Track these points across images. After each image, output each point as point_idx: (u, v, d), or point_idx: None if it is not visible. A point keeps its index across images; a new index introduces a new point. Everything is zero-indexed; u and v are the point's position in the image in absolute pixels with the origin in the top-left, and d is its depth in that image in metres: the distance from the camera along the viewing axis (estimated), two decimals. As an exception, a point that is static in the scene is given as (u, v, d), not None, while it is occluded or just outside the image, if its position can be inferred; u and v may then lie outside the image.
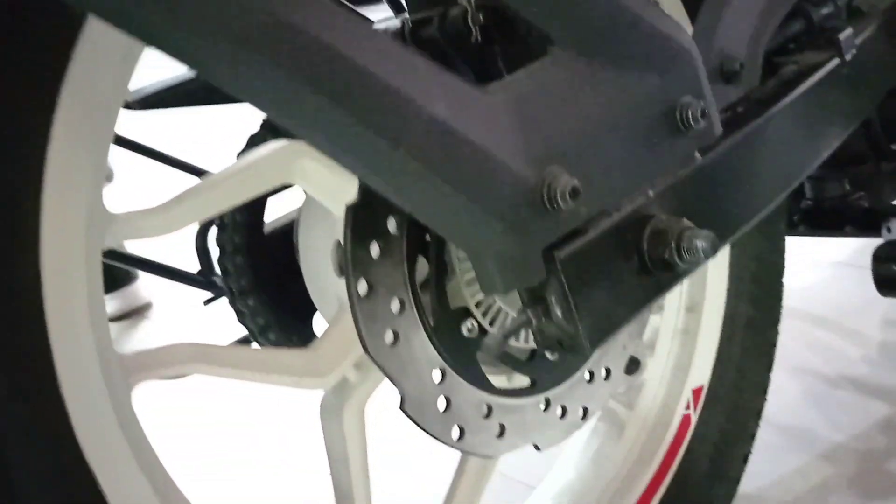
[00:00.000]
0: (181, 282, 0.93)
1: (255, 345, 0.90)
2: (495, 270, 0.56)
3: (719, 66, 0.75)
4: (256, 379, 0.68)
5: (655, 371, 1.04)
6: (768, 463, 1.37)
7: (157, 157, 0.92)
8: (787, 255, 1.12)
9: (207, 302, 0.91)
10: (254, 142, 0.83)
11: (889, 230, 1.14)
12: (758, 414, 1.08)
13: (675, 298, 1.06)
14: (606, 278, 0.61)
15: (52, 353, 0.53)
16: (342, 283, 0.72)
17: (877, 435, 1.45)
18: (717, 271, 1.05)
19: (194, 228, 0.97)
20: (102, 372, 0.56)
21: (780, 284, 1.10)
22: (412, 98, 0.49)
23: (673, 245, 0.62)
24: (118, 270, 1.95)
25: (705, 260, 0.62)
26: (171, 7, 0.44)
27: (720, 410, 1.05)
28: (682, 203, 0.66)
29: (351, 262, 0.63)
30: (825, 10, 0.88)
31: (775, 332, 1.10)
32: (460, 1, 0.63)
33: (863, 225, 1.19)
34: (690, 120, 0.65)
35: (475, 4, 0.63)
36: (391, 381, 0.67)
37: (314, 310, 0.88)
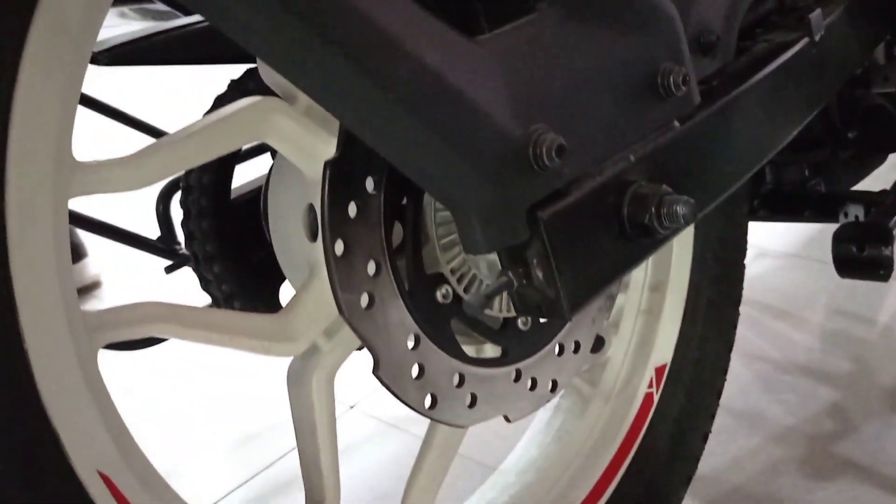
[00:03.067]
0: (141, 248, 0.90)
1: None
2: (479, 228, 0.55)
3: (697, 37, 0.75)
4: (225, 343, 0.66)
5: (619, 349, 1.04)
6: (722, 445, 1.39)
7: (120, 118, 0.89)
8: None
9: (169, 269, 0.88)
10: (221, 102, 0.81)
11: (846, 215, 1.17)
12: (718, 393, 1.09)
13: (640, 278, 1.06)
14: (587, 242, 0.61)
15: (16, 307, 0.50)
16: (313, 247, 0.70)
17: (824, 419, 1.49)
18: (681, 252, 1.06)
19: (154, 195, 0.94)
20: (69, 329, 0.53)
21: (742, 266, 1.11)
22: (408, 43, 0.48)
23: (653, 210, 0.62)
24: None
25: (685, 226, 0.62)
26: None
27: (682, 389, 1.05)
28: (662, 170, 0.65)
29: (328, 221, 0.62)
30: (796, -9, 0.89)
31: (736, 313, 1.11)
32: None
33: (821, 210, 1.21)
34: (672, 86, 0.65)
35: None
36: (366, 346, 0.65)
37: (281, 279, 0.86)
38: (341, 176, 0.62)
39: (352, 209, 0.63)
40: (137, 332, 0.60)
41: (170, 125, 0.96)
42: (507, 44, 0.56)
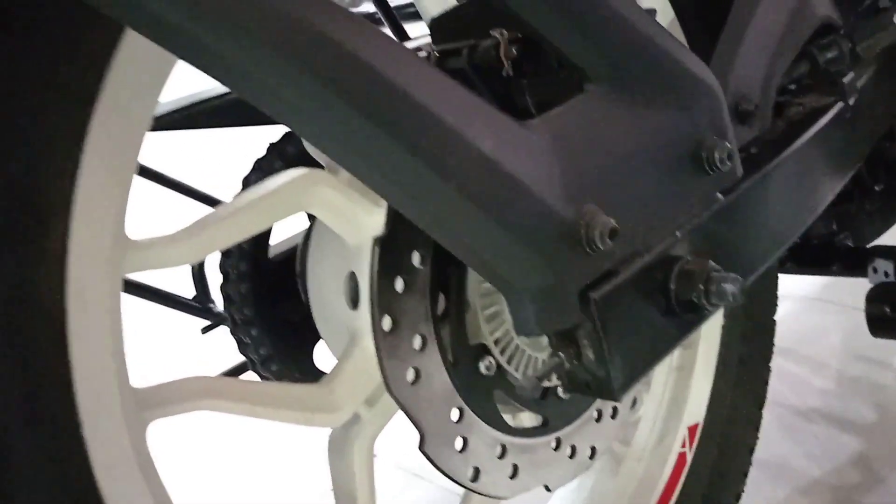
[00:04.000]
0: (177, 308, 0.90)
1: (250, 374, 0.88)
2: (532, 312, 0.55)
3: (735, 106, 0.76)
4: (269, 416, 0.66)
5: (651, 407, 1.03)
6: (748, 497, 1.37)
7: (163, 182, 0.89)
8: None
9: (206, 330, 0.88)
10: (260, 166, 0.81)
11: (875, 271, 1.16)
12: (750, 451, 1.08)
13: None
14: (636, 321, 0.61)
15: (74, 387, 0.50)
16: (355, 315, 0.70)
17: (849, 469, 1.47)
18: (711, 308, 1.05)
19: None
20: (122, 408, 0.53)
21: (773, 321, 1.10)
22: (464, 132, 0.48)
23: (701, 287, 0.62)
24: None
25: (732, 304, 0.62)
26: (217, 18, 0.43)
27: (715, 449, 1.04)
28: (707, 244, 0.65)
29: (376, 297, 0.62)
30: (830, 54, 0.89)
31: (767, 369, 1.10)
32: (493, 34, 0.62)
33: (849, 264, 1.21)
34: (717, 162, 0.65)
35: (507, 38, 0.63)
36: (411, 421, 0.65)
37: (316, 339, 0.86)
38: (389, 252, 0.63)
39: (398, 284, 0.63)
40: (186, 407, 0.60)
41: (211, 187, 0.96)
42: (557, 126, 0.57)
